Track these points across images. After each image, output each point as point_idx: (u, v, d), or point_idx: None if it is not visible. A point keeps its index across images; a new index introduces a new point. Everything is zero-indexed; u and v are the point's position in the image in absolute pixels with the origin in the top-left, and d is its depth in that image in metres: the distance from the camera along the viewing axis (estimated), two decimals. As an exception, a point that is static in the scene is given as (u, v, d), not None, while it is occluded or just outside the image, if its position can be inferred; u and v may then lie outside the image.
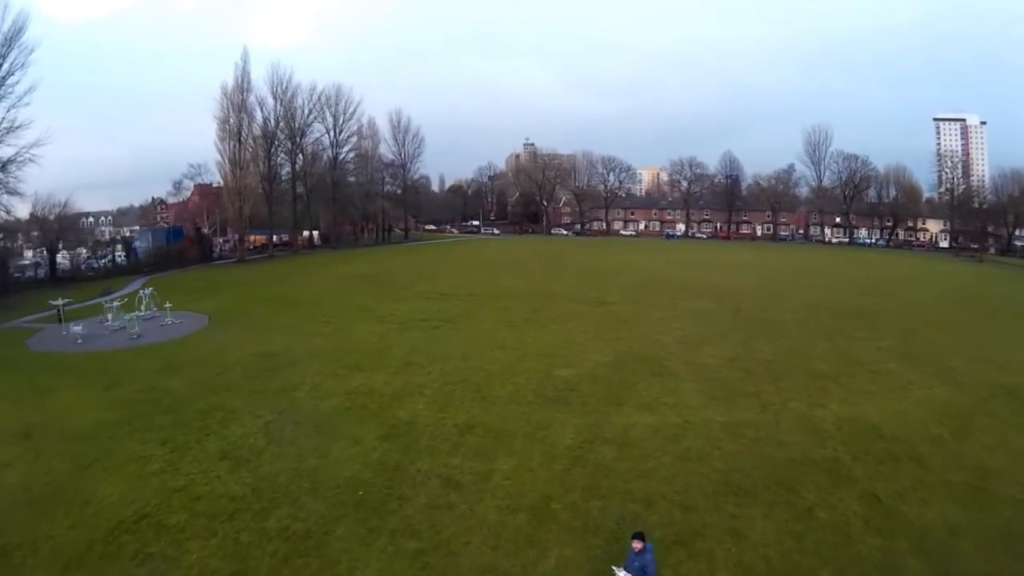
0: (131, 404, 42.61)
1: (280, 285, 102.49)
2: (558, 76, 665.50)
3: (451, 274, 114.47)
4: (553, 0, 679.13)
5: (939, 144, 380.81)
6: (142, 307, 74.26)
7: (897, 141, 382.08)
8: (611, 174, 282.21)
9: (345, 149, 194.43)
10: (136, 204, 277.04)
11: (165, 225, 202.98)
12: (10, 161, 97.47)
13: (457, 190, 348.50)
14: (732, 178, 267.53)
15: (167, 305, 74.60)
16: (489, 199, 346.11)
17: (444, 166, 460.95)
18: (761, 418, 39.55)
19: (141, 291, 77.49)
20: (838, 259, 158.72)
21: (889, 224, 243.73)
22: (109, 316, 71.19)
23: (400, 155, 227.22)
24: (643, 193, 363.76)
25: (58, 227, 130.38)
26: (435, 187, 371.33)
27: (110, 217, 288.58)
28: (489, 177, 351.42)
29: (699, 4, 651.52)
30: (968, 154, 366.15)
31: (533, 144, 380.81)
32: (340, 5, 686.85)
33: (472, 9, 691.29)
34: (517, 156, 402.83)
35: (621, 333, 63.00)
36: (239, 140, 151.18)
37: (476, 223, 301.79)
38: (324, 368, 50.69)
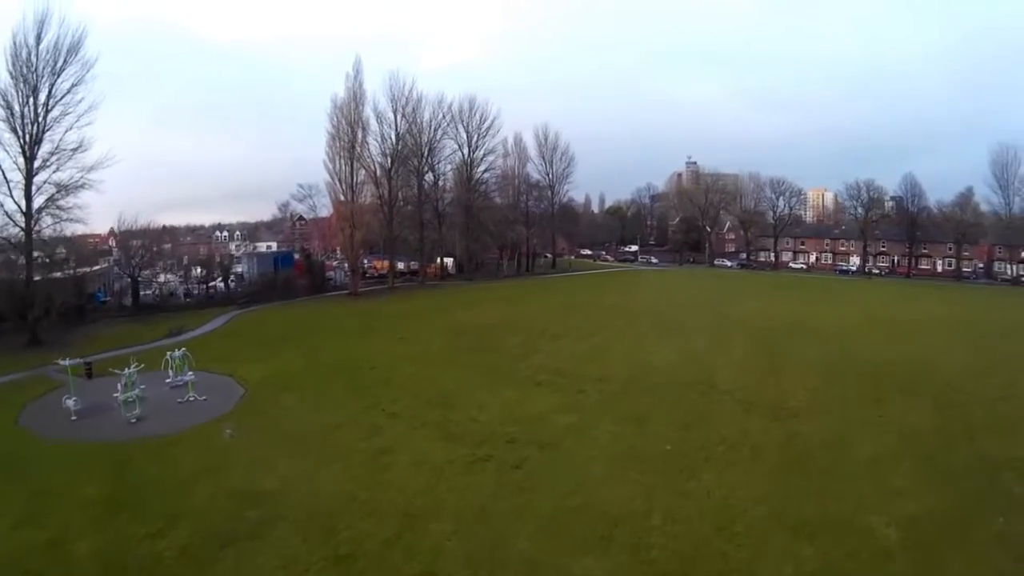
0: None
1: (367, 340, 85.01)
2: (722, 89, 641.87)
3: (586, 332, 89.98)
4: (718, 10, 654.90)
5: None
6: (170, 372, 63.21)
7: None
8: (780, 198, 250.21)
9: (481, 169, 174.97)
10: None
11: (281, 248, 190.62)
12: (63, 188, 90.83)
13: (615, 212, 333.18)
14: (914, 204, 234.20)
15: (188, 376, 61.19)
16: (648, 223, 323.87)
17: (604, 185, 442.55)
18: None
19: (169, 354, 64.52)
20: None
21: None
22: (119, 386, 55.98)
23: (547, 175, 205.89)
24: (811, 218, 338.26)
25: (142, 252, 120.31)
26: (594, 207, 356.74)
27: (245, 232, 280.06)
28: (650, 198, 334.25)
29: (872, 10, 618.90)
30: None
31: (696, 163, 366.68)
32: (499, 25, 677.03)
33: (634, 22, 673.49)
34: (679, 175, 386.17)
35: (812, 503, 36.02)
36: (351, 158, 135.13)
37: (634, 248, 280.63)
38: (291, 556, 31.32)
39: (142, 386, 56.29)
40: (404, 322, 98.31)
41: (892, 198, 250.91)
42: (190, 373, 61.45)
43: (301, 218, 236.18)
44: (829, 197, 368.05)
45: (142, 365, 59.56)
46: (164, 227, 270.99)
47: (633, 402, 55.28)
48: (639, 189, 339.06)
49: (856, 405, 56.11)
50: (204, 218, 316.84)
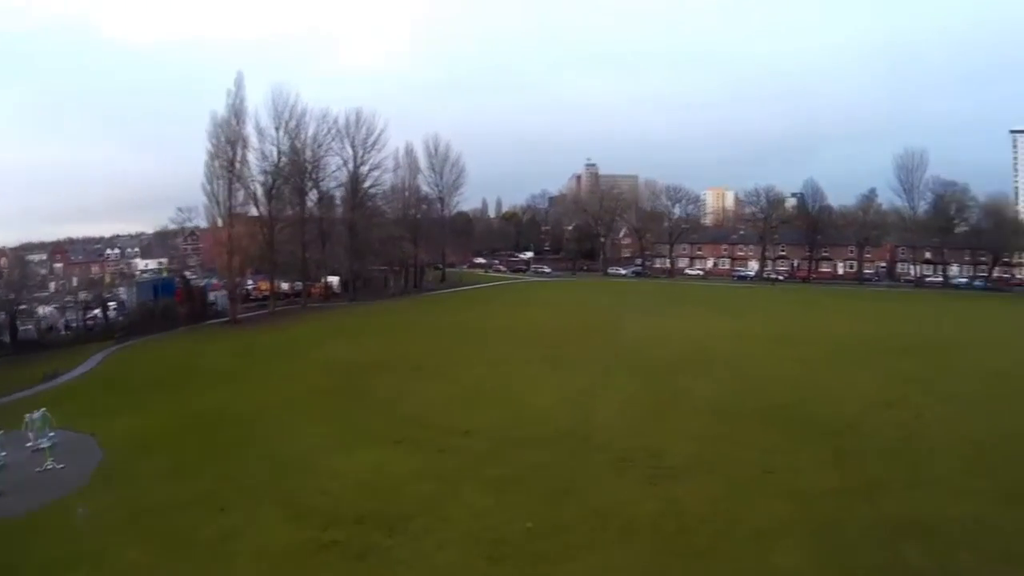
0: None
1: (235, 384, 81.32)
2: (627, 90, 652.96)
3: (460, 367, 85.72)
4: (622, 12, 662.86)
5: (1015, 157, 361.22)
6: (30, 435, 58.51)
7: (974, 156, 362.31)
8: (676, 206, 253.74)
9: (367, 184, 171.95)
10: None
11: (173, 264, 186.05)
12: None
13: (511, 218, 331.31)
14: (814, 208, 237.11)
15: (47, 439, 57.84)
16: (543, 228, 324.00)
17: (504, 189, 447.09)
18: None
19: (28, 416, 59.81)
20: (952, 317, 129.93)
21: (984, 260, 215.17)
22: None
23: (437, 186, 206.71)
24: (710, 220, 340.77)
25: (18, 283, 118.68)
26: (491, 212, 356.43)
27: (139, 246, 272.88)
28: (548, 200, 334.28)
29: (769, 12, 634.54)
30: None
31: (595, 165, 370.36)
32: (400, 31, 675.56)
33: (536, 24, 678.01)
34: (579, 178, 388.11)
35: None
36: (230, 177, 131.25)
37: (527, 255, 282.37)
38: None
39: (3, 452, 54.78)
40: (276, 359, 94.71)
41: (793, 195, 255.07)
42: (51, 434, 58.38)
43: (193, 233, 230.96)
44: (729, 197, 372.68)
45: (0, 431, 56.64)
46: (57, 241, 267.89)
47: (498, 463, 51.36)
48: (533, 196, 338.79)
49: (744, 458, 51.81)
50: (103, 229, 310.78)
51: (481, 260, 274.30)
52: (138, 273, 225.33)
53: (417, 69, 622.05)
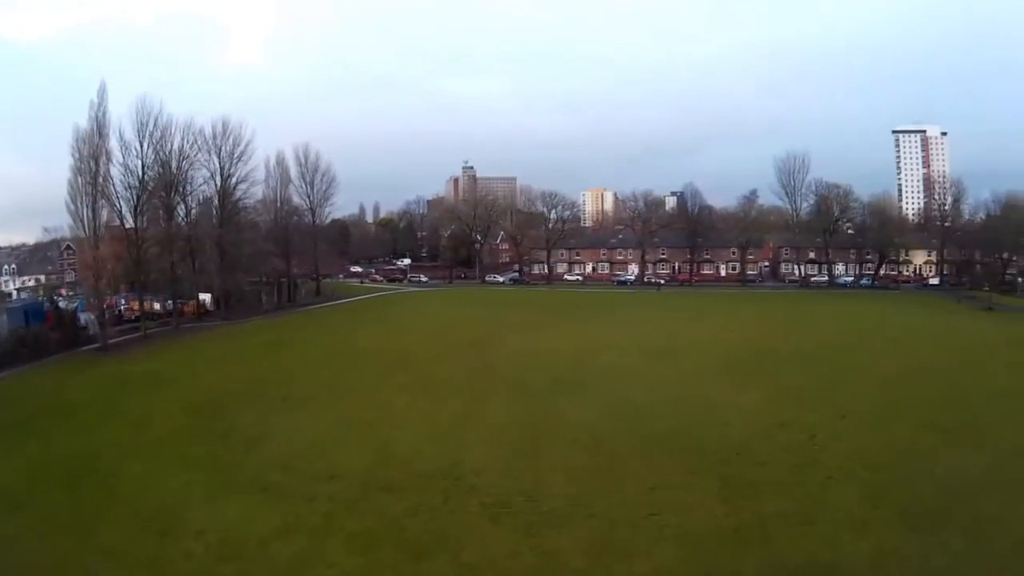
0: None
1: (101, 424, 75.17)
2: (506, 91, 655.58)
3: (328, 397, 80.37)
4: (501, 12, 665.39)
5: (898, 156, 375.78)
6: None
7: (858, 155, 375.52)
8: (553, 211, 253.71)
9: (235, 198, 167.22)
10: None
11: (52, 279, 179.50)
12: None
13: (387, 224, 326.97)
14: (694, 211, 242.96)
15: None
16: (420, 235, 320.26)
17: (384, 193, 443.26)
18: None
19: None
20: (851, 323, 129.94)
21: (870, 258, 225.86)
22: None
23: (308, 197, 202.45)
24: (586, 220, 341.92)
25: None
26: (369, 217, 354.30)
27: (13, 266, 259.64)
28: (426, 204, 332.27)
29: (650, 16, 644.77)
30: (928, 166, 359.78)
31: (472, 167, 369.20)
32: (273, 32, 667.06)
33: (420, 25, 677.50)
34: (456, 181, 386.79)
35: None
36: (94, 195, 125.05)
37: (404, 263, 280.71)
38: None
39: None
40: (143, 393, 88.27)
41: (673, 193, 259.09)
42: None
43: (68, 246, 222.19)
44: (609, 198, 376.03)
45: None
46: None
47: (366, 513, 47.87)
48: (408, 202, 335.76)
49: (628, 498, 48.18)
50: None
51: (357, 269, 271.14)
52: (15, 293, 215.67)
53: (293, 71, 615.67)
